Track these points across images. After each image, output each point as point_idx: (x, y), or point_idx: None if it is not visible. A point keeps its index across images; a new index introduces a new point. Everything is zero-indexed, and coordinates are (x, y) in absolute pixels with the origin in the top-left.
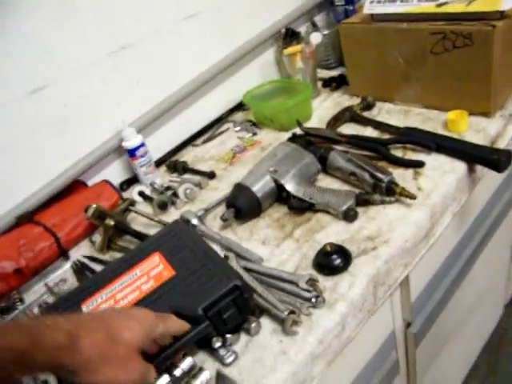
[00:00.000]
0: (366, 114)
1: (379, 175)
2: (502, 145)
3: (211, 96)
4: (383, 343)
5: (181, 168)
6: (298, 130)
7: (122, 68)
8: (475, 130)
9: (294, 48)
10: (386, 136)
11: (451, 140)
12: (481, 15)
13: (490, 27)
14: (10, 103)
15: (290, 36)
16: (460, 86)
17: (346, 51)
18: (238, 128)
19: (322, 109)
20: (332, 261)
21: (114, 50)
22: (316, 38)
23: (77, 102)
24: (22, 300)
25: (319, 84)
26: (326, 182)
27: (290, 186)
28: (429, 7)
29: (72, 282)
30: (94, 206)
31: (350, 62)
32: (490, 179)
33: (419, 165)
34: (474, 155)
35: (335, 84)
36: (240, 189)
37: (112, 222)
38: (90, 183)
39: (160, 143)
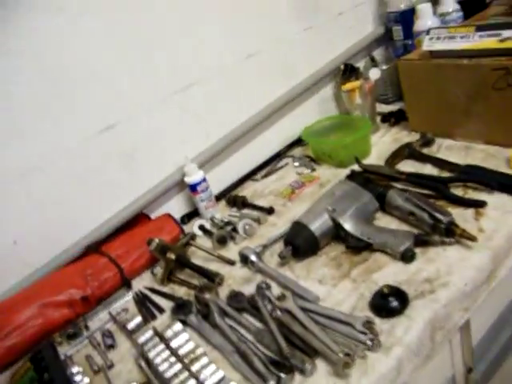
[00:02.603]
0: (425, 150)
1: (438, 216)
2: None
3: (271, 132)
4: None
5: (240, 203)
6: (356, 167)
7: (187, 105)
8: None
9: (352, 84)
10: (446, 174)
11: None
12: None
13: None
14: (84, 141)
15: (348, 71)
16: None
17: (405, 87)
18: (296, 163)
19: (381, 144)
20: (389, 303)
21: (180, 88)
22: (375, 73)
23: (143, 138)
24: (87, 327)
25: (378, 119)
26: (384, 221)
27: (347, 225)
28: (491, 43)
29: (133, 312)
30: (157, 240)
31: (409, 97)
32: None
33: (481, 205)
34: None
35: (394, 119)
36: (298, 227)
37: (173, 256)
38: (153, 216)
39: (221, 178)
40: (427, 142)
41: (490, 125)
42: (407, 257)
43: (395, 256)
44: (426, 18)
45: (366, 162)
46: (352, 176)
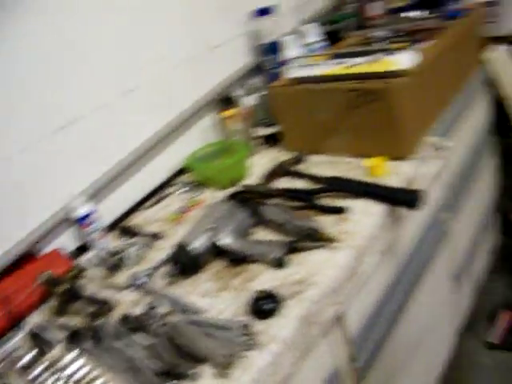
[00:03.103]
0: (298, 167)
1: (303, 224)
2: (418, 184)
3: (158, 161)
4: (328, 378)
5: (130, 231)
6: (237, 188)
7: (72, 141)
8: (394, 174)
9: (230, 111)
10: (316, 186)
11: (371, 185)
12: (387, 74)
13: (391, 83)
14: None
15: (226, 100)
16: (377, 135)
17: (276, 111)
18: (183, 189)
19: (261, 165)
20: (263, 306)
21: (62, 124)
22: (249, 101)
23: (27, 175)
24: None
25: (258, 142)
26: (261, 234)
27: (226, 241)
28: (341, 69)
29: (27, 349)
30: (46, 273)
31: (281, 120)
32: (418, 216)
33: (342, 210)
34: (389, 197)
35: (272, 141)
36: (181, 248)
37: (63, 288)
38: (44, 252)
39: (111, 208)
40: (299, 160)
41: (351, 139)
42: (279, 263)
43: (269, 264)
44: (291, 49)
45: (248, 181)
46: (232, 196)
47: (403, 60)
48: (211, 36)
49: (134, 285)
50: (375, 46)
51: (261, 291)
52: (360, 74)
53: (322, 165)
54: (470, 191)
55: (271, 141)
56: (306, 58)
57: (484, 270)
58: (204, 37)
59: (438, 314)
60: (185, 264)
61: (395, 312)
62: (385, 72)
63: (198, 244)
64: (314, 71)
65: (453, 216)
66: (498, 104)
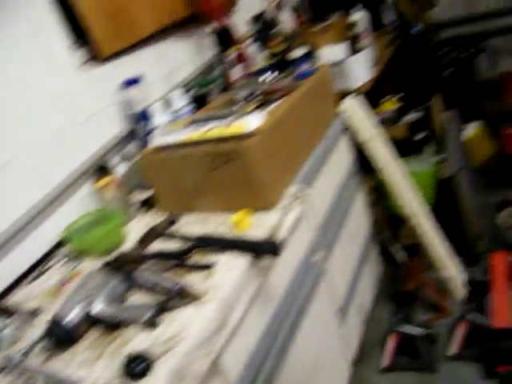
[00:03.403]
0: (171, 228)
1: (172, 284)
2: (280, 233)
3: (36, 235)
4: None
5: (7, 311)
6: (112, 255)
7: None
8: (258, 226)
9: (104, 180)
10: (187, 245)
11: (234, 239)
12: (240, 135)
13: (245, 144)
14: None
15: (102, 169)
16: (239, 192)
17: (147, 177)
18: (63, 262)
19: (137, 230)
20: (134, 368)
21: None
22: (121, 168)
23: None
24: None
25: (135, 207)
26: (135, 298)
27: (98, 309)
28: (199, 134)
29: None
30: None
31: (152, 185)
32: (291, 259)
33: (210, 266)
34: (250, 248)
35: (148, 205)
36: (55, 322)
37: None
38: None
39: None
40: (173, 221)
41: (218, 197)
42: (151, 324)
43: (142, 326)
44: (159, 116)
45: (124, 248)
46: (106, 264)
47: (252, 122)
48: (83, 108)
49: (8, 367)
50: (229, 110)
51: (131, 354)
52: (215, 138)
53: (194, 224)
54: (344, 228)
55: (147, 205)
56: (168, 126)
57: (370, 300)
58: (75, 110)
59: (327, 348)
60: (59, 338)
61: (281, 350)
62: (236, 134)
63: (73, 315)
64: (175, 138)
65: (327, 254)
66: (359, 148)
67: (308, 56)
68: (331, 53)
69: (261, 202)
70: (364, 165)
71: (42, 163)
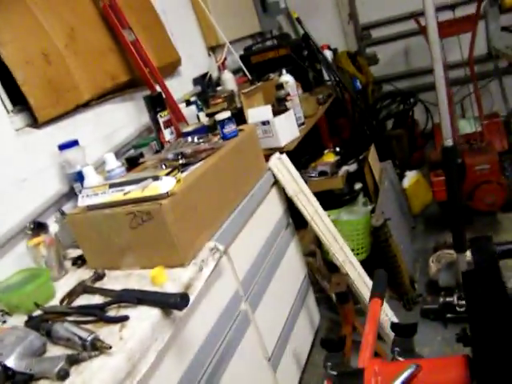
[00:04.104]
0: (98, 283)
1: (83, 336)
2: (197, 287)
3: None
4: None
5: None
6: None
7: None
8: (173, 280)
9: (37, 239)
10: (107, 299)
11: (146, 293)
12: (154, 197)
13: (158, 205)
14: None
15: (36, 227)
16: (157, 248)
17: (76, 234)
18: None
19: (67, 286)
20: None
21: None
22: (53, 228)
23: None
24: None
25: (69, 264)
26: (53, 351)
27: (11, 364)
28: (119, 196)
29: None
30: None
31: (81, 242)
32: (212, 309)
33: (123, 319)
34: (160, 302)
35: (80, 262)
36: None
37: None
38: None
39: None
40: (99, 277)
41: (139, 254)
42: (60, 376)
43: (53, 378)
44: (89, 177)
45: (52, 303)
46: (29, 319)
47: (165, 184)
48: (21, 169)
49: None
50: (144, 175)
51: None
52: (133, 199)
53: (119, 278)
54: (274, 278)
55: (79, 261)
56: (93, 187)
57: (307, 346)
58: (13, 171)
59: None
60: None
61: None
62: (152, 196)
63: None
64: (98, 199)
65: (254, 305)
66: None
67: (235, 117)
68: (258, 113)
69: (176, 259)
70: (300, 216)
71: None
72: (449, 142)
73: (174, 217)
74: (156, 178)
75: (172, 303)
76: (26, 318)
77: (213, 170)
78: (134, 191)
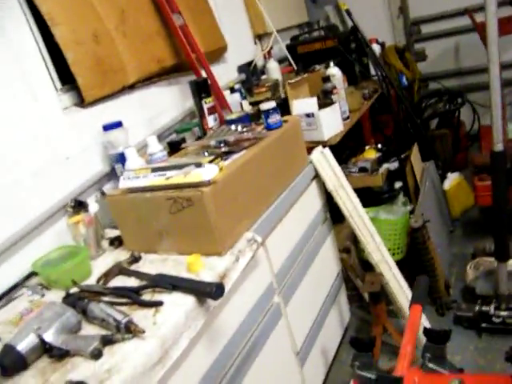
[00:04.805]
0: (134, 266)
1: (118, 318)
2: (233, 277)
3: (7, 265)
4: None
5: None
6: (74, 288)
7: None
8: (209, 269)
9: (77, 217)
10: (142, 283)
11: (182, 280)
12: (196, 184)
13: (200, 192)
14: None
15: (77, 206)
16: (195, 235)
17: (115, 215)
18: (29, 292)
19: (103, 266)
20: None
21: None
22: (93, 207)
23: None
24: None
25: (106, 243)
26: (87, 329)
27: (49, 339)
28: (160, 180)
29: None
30: None
31: (120, 223)
32: (245, 300)
33: (158, 304)
34: (195, 290)
35: (118, 242)
36: (7, 348)
37: None
38: None
39: None
40: (135, 259)
41: (177, 239)
42: (95, 355)
43: (87, 356)
44: (131, 159)
45: (89, 281)
46: (67, 296)
47: (208, 172)
48: (65, 148)
49: None
50: (189, 160)
51: (71, 381)
52: (175, 184)
53: (155, 263)
54: (309, 272)
55: (116, 242)
56: (135, 170)
57: (335, 343)
58: (58, 149)
59: None
60: (8, 364)
61: None
62: (194, 183)
63: (25, 343)
64: (140, 182)
65: (286, 298)
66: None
67: (279, 107)
68: (304, 105)
69: (213, 247)
70: (337, 211)
71: (19, 196)
72: (499, 147)
73: (215, 205)
74: (199, 165)
75: (207, 292)
76: (63, 293)
77: (255, 160)
78: (176, 177)
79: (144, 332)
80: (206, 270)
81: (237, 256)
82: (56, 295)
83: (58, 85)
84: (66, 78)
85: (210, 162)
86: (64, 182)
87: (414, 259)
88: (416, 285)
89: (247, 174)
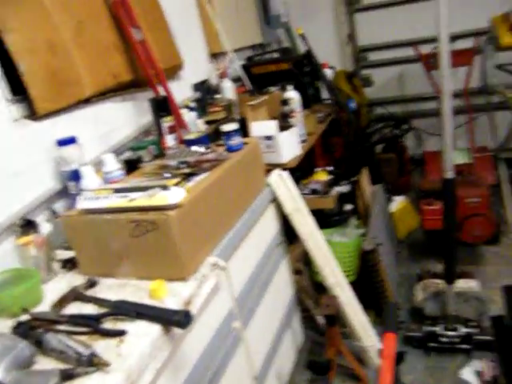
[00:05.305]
0: (90, 291)
1: (79, 350)
2: (197, 303)
3: None
4: None
5: None
6: (25, 316)
7: None
8: (173, 295)
9: (26, 238)
10: (102, 310)
11: (147, 307)
12: (161, 207)
13: (165, 216)
14: None
15: (26, 225)
16: (158, 260)
17: (70, 237)
18: None
19: (56, 291)
20: None
21: None
22: (46, 227)
23: None
24: None
25: (57, 266)
26: (42, 362)
27: None
28: (123, 202)
29: None
30: None
31: (76, 246)
32: (207, 327)
33: (121, 333)
34: (162, 318)
35: (71, 265)
36: None
37: None
38: None
39: None
40: (92, 284)
41: (137, 264)
42: None
43: None
44: (88, 178)
45: (41, 308)
46: (18, 325)
47: (174, 195)
48: (14, 162)
49: None
50: (153, 182)
51: None
52: (139, 207)
53: (113, 288)
54: (265, 296)
55: (69, 264)
56: (94, 191)
57: (290, 367)
58: (5, 163)
59: None
60: None
61: None
62: (159, 206)
63: None
64: (99, 203)
65: (245, 323)
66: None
67: (240, 130)
68: (263, 127)
69: (177, 272)
70: (291, 233)
71: None
72: (450, 174)
73: (180, 229)
74: (164, 188)
75: (175, 321)
76: (9, 322)
77: (218, 182)
78: (140, 199)
79: (110, 365)
80: (169, 296)
81: (201, 281)
82: (2, 325)
83: (8, 95)
84: (16, 88)
85: (176, 184)
86: (10, 199)
87: (365, 281)
88: (385, 311)
89: (211, 196)
